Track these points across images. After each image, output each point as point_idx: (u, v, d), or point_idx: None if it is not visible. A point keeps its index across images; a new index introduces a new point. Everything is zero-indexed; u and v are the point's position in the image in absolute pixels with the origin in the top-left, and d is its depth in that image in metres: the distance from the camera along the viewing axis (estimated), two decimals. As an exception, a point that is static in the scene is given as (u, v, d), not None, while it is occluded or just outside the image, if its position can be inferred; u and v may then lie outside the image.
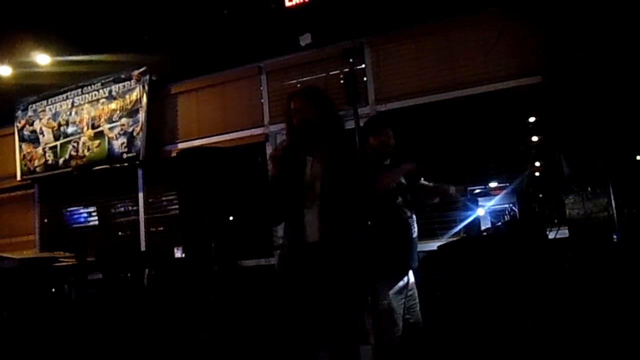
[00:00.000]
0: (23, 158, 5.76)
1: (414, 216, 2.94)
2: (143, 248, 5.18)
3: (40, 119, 5.69)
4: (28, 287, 3.86)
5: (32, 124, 5.74)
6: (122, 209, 5.52)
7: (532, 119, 3.99)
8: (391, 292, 2.74)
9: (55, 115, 5.61)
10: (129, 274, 4.08)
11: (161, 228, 5.27)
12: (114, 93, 5.27)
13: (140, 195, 5.30)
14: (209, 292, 3.99)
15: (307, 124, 2.30)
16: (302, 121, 2.31)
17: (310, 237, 2.23)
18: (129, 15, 4.14)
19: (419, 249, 3.01)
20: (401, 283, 2.81)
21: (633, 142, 2.90)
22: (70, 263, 4.08)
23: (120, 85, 5.24)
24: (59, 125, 5.57)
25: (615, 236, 2.90)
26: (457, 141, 4.13)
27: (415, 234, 2.89)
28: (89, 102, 5.42)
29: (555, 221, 3.60)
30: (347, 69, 2.20)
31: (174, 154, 5.01)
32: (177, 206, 4.81)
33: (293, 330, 2.26)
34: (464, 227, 3.18)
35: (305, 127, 2.31)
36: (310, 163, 2.33)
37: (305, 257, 2.23)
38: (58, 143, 5.57)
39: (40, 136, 5.68)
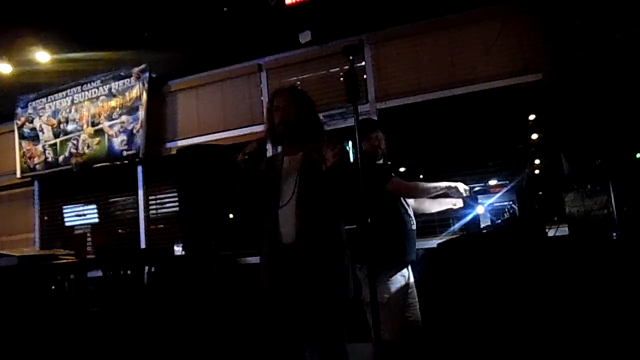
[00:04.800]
0: (23, 155, 5.76)
1: (411, 209, 2.97)
2: (143, 245, 5.19)
3: (40, 117, 5.69)
4: (28, 285, 3.86)
5: (31, 122, 5.74)
6: (122, 207, 5.53)
7: (532, 117, 3.99)
8: (392, 286, 2.78)
9: (55, 113, 5.61)
10: (128, 272, 4.08)
11: (161, 225, 5.28)
12: (113, 90, 5.27)
13: (140, 192, 5.30)
14: (208, 290, 3.99)
15: (288, 123, 2.31)
16: (284, 119, 2.32)
17: (287, 238, 2.22)
18: (129, 12, 4.13)
19: (418, 246, 3.04)
20: (401, 278, 2.84)
21: (633, 140, 2.90)
22: (70, 260, 4.07)
23: (120, 82, 5.24)
24: (59, 122, 5.57)
25: (614, 234, 2.90)
26: (457, 139, 4.14)
27: (414, 226, 2.93)
28: (89, 99, 5.42)
29: (555, 219, 3.61)
30: (347, 67, 2.20)
31: (173, 152, 5.01)
32: (177, 204, 4.81)
33: (278, 330, 2.27)
34: (464, 224, 3.17)
35: (285, 126, 2.32)
36: (288, 162, 2.35)
37: (283, 259, 2.23)
38: (58, 140, 5.57)
39: (40, 134, 5.68)
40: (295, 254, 2.20)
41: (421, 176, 4.20)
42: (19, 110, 5.80)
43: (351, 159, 3.16)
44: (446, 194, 3.02)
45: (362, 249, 2.48)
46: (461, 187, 2.92)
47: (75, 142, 5.44)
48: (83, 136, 5.40)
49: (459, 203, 2.98)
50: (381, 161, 3.04)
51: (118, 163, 5.19)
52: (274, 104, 2.38)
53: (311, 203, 2.22)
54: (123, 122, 5.16)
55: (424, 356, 3.05)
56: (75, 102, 5.51)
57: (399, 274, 2.84)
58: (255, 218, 2.42)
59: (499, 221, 3.07)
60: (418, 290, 3.03)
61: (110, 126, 5.24)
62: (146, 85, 5.09)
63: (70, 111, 5.52)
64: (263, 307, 2.31)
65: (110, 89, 5.29)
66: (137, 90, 5.12)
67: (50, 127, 5.63)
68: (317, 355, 2.25)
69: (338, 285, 2.23)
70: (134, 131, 5.09)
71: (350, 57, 2.18)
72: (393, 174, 2.97)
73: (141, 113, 5.07)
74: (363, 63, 4.46)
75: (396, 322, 2.76)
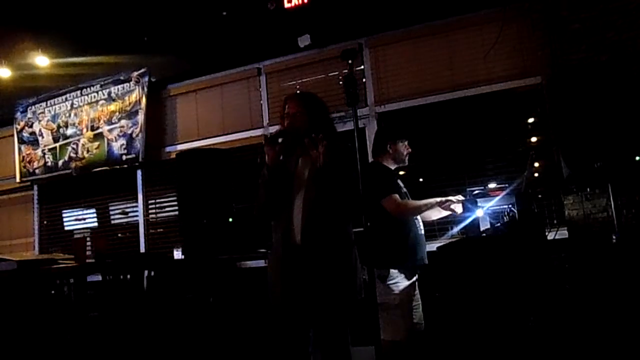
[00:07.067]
0: (22, 160, 5.76)
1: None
2: (142, 249, 5.18)
3: (40, 121, 5.69)
4: (27, 289, 3.85)
5: (31, 126, 5.74)
6: (122, 211, 5.52)
7: (531, 120, 3.99)
8: (403, 288, 2.80)
9: (54, 117, 5.61)
10: (128, 276, 4.07)
11: (160, 229, 5.27)
12: (113, 95, 5.27)
13: (140, 196, 5.30)
14: (208, 294, 3.99)
15: (297, 129, 2.32)
16: (292, 126, 2.34)
17: (298, 238, 2.25)
18: (128, 16, 4.14)
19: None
20: (411, 280, 2.86)
21: (632, 143, 2.90)
22: (69, 265, 4.07)
23: (120, 86, 5.24)
24: (58, 127, 5.57)
25: (614, 237, 2.91)
26: (456, 142, 4.14)
27: (422, 231, 2.95)
28: (88, 103, 5.42)
29: (555, 222, 3.61)
30: (346, 70, 2.20)
31: (173, 156, 5.01)
32: (176, 208, 4.81)
33: (285, 330, 2.27)
34: (463, 228, 3.17)
35: (294, 132, 2.33)
36: (301, 163, 2.37)
37: (294, 259, 2.24)
38: (57, 145, 5.57)
39: (40, 138, 5.68)
40: (303, 254, 2.22)
41: (420, 179, 4.21)
42: (18, 114, 5.80)
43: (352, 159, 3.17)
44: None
45: (369, 250, 2.49)
46: (453, 198, 2.93)
47: (74, 146, 5.44)
48: (82, 140, 5.40)
49: (458, 209, 2.98)
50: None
51: (117, 167, 5.19)
52: (285, 111, 2.40)
53: (316, 204, 2.24)
54: (122, 126, 5.16)
55: (426, 358, 3.05)
56: (74, 106, 5.51)
57: (409, 276, 2.86)
58: (265, 221, 2.44)
59: (499, 224, 3.07)
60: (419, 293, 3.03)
61: (110, 130, 5.24)
62: (145, 89, 5.09)
63: (69, 115, 5.52)
64: (269, 308, 2.31)
65: (109, 93, 5.30)
66: (136, 95, 5.13)
67: (49, 132, 5.63)
68: (320, 356, 2.25)
69: (344, 285, 2.24)
70: (134, 135, 5.09)
71: (350, 61, 2.18)
72: (402, 191, 2.98)
73: (140, 117, 5.07)
74: (362, 67, 4.46)
75: (406, 323, 2.79)
